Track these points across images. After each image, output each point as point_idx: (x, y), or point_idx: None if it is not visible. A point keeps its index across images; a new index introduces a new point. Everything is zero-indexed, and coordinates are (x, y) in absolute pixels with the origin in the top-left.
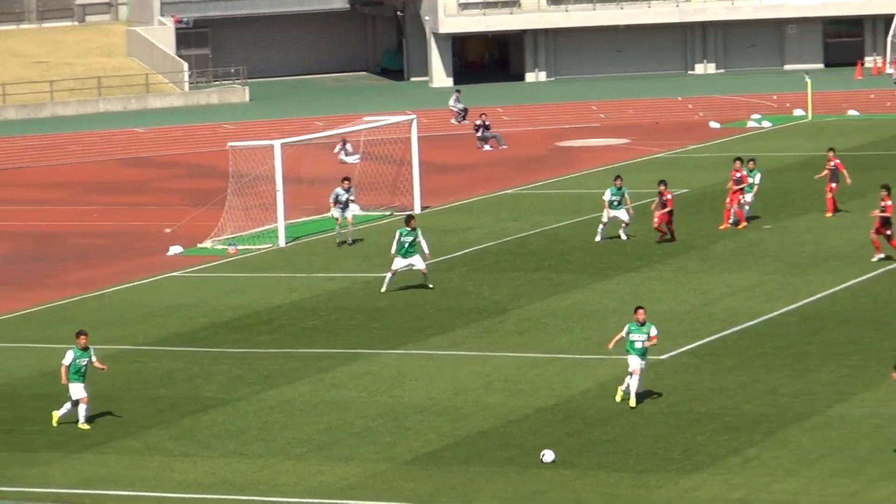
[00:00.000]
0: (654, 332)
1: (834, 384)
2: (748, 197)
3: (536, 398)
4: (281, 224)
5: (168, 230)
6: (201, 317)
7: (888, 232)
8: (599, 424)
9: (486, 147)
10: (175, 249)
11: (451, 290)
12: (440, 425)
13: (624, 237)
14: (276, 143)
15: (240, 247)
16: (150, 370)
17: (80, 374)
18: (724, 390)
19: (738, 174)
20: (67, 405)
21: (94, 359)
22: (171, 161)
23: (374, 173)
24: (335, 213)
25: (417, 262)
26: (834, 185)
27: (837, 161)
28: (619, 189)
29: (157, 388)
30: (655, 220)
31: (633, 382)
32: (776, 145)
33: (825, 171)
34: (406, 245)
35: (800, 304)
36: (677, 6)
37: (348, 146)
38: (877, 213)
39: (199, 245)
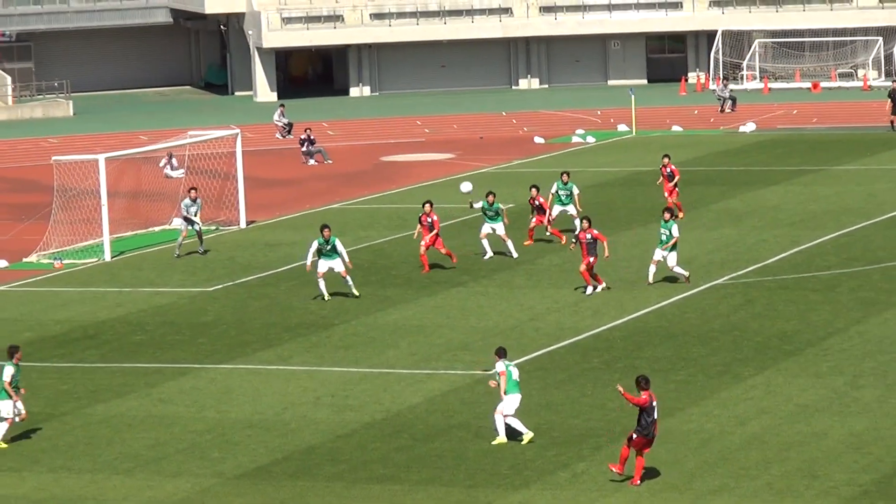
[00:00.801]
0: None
1: (661, 399)
2: (571, 209)
3: (364, 413)
4: (106, 238)
5: None
6: (27, 331)
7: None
8: (428, 439)
9: (311, 162)
10: (0, 264)
11: (277, 305)
12: (268, 440)
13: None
14: (101, 158)
15: (65, 261)
16: None
17: (7, 391)
18: (552, 405)
19: (537, 201)
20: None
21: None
22: None
23: (200, 188)
24: (181, 225)
25: (337, 265)
26: (673, 188)
27: (673, 167)
28: (492, 205)
29: None
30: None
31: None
32: (600, 160)
33: (661, 179)
34: (325, 252)
35: (626, 318)
36: (500, 21)
37: (174, 160)
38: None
39: (24, 259)
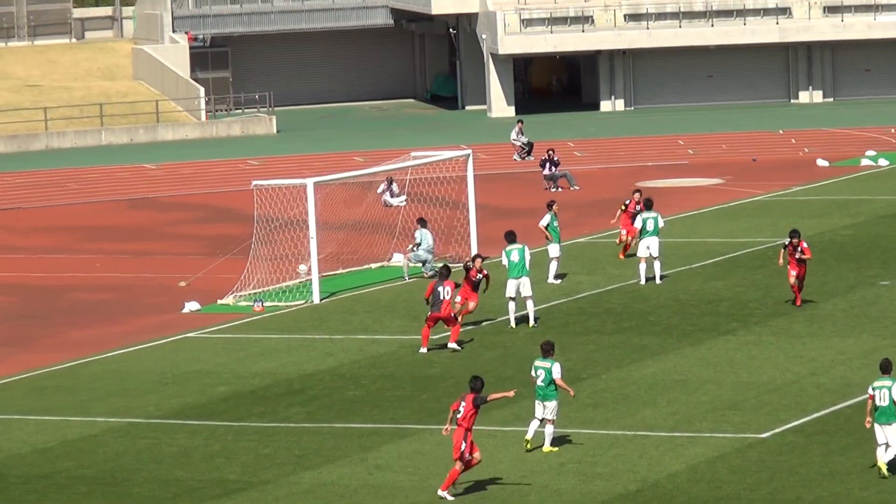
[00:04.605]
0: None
1: None
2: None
3: (616, 482)
4: (315, 277)
5: (183, 283)
6: (222, 385)
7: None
8: None
9: (555, 188)
10: (191, 306)
11: (514, 356)
12: None
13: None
14: (309, 182)
15: (267, 303)
16: (163, 447)
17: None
18: (836, 475)
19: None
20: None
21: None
22: (185, 202)
23: (424, 218)
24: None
25: (525, 287)
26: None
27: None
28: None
29: (171, 468)
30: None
31: (889, 454)
32: (895, 187)
33: (627, 212)
34: (515, 265)
35: None
36: (777, 23)
37: (394, 186)
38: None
39: (219, 301)
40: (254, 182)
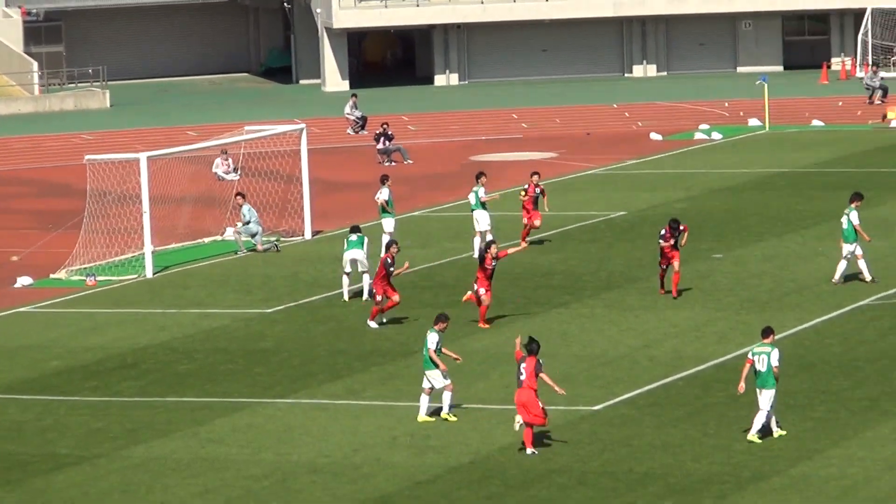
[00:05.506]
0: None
1: (797, 439)
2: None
3: (448, 456)
4: (147, 251)
5: (15, 258)
6: (54, 359)
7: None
8: (523, 486)
9: (389, 162)
10: (23, 281)
11: (347, 330)
12: (336, 487)
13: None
14: (142, 157)
15: (99, 278)
16: None
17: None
18: (668, 446)
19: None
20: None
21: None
22: (17, 177)
23: (257, 192)
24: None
25: (361, 262)
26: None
27: (541, 186)
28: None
29: (2, 442)
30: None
31: (759, 418)
32: (728, 160)
33: (528, 197)
34: (353, 242)
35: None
36: None
37: (229, 160)
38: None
39: (51, 276)
40: (87, 156)
